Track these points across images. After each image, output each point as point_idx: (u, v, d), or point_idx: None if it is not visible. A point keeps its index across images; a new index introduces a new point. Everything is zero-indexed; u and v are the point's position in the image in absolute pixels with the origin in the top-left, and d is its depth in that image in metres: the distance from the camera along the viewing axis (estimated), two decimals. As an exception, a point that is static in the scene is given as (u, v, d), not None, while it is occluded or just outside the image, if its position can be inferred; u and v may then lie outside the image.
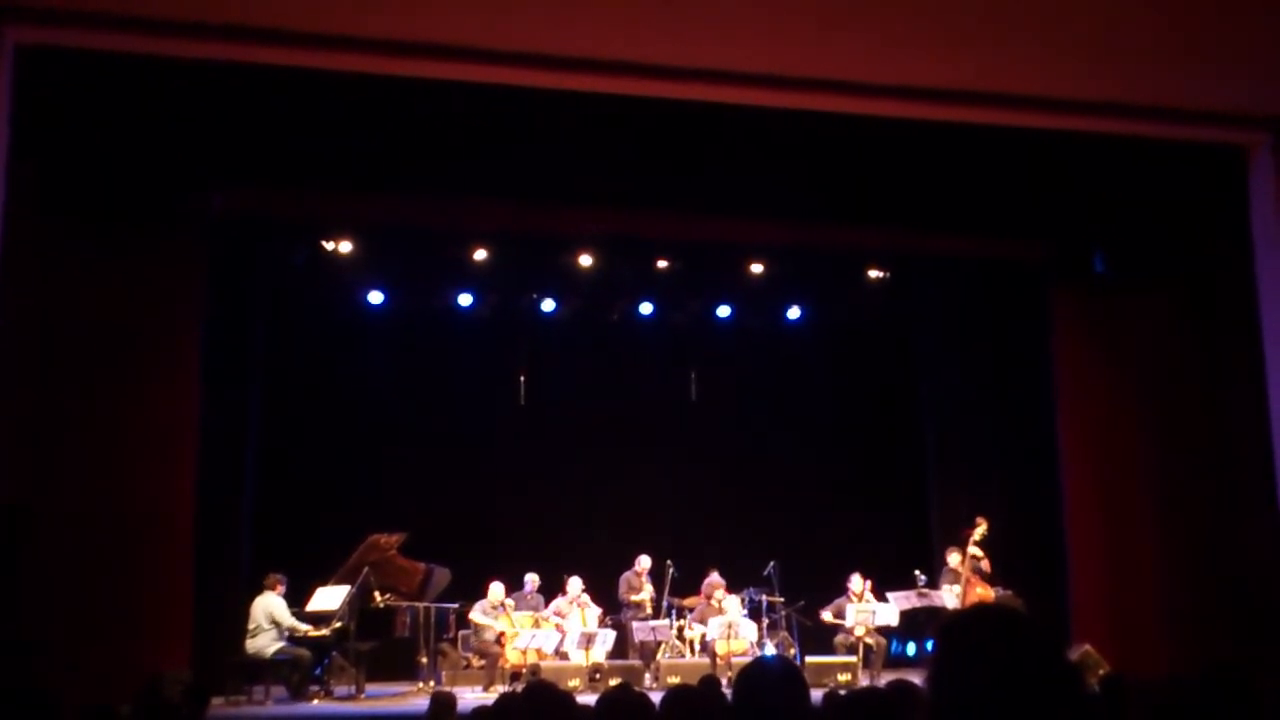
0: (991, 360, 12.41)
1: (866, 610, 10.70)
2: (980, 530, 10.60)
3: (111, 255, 8.68)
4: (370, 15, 6.96)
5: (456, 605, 10.58)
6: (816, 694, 4.51)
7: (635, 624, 10.96)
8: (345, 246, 11.08)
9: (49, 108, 7.42)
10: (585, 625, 10.63)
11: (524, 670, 9.97)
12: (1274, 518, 8.24)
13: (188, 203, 9.21)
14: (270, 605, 9.56)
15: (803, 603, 11.43)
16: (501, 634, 10.37)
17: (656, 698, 3.59)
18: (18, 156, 6.91)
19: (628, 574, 11.54)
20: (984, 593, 10.38)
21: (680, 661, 10.58)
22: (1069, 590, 10.48)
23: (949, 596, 10.44)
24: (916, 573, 10.86)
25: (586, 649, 10.20)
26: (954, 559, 10.66)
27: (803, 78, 7.69)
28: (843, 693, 4.61)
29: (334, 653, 9.89)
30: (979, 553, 10.58)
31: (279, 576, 9.75)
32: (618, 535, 11.99)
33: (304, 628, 9.59)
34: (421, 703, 9.09)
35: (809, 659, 10.57)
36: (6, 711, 2.77)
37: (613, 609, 11.42)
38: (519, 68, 7.41)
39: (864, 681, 10.05)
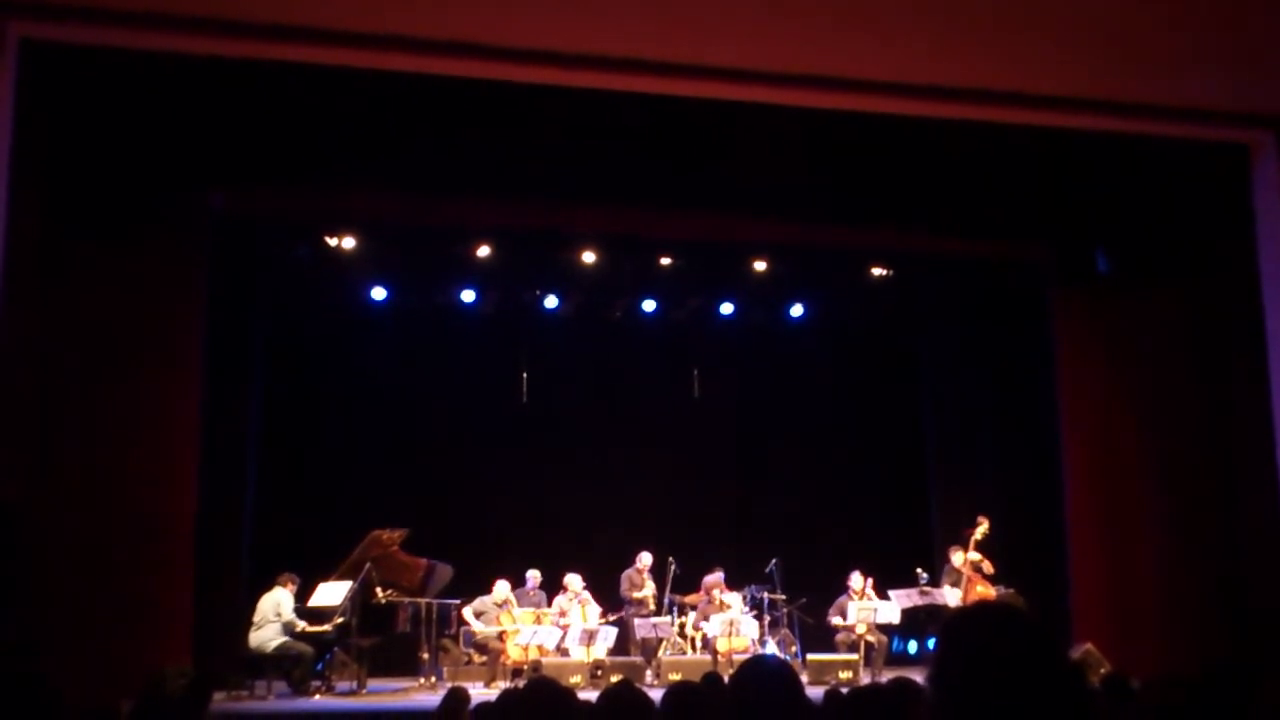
0: (994, 359, 12.41)
1: (868, 608, 10.71)
2: (982, 529, 10.60)
3: (113, 252, 8.66)
4: (374, 11, 6.98)
5: (458, 601, 10.61)
6: (818, 691, 4.52)
7: (637, 621, 10.96)
8: (348, 243, 11.05)
9: (52, 105, 7.43)
10: (586, 622, 10.64)
11: (525, 666, 9.98)
12: (1274, 518, 8.25)
13: (189, 199, 9.20)
14: (279, 599, 9.62)
15: (804, 600, 11.42)
16: (503, 630, 10.39)
17: (658, 695, 3.60)
18: (22, 153, 6.94)
19: (629, 571, 11.53)
20: (985, 591, 10.38)
21: (682, 658, 10.57)
22: (1070, 589, 10.47)
23: (951, 594, 10.44)
24: (918, 570, 10.86)
25: (588, 646, 10.22)
26: (957, 558, 10.66)
27: (806, 75, 7.70)
28: (844, 690, 4.60)
29: (336, 648, 9.90)
30: (978, 556, 10.58)
31: (291, 575, 9.80)
32: (619, 532, 11.98)
33: (301, 624, 9.60)
34: (422, 698, 9.12)
35: (810, 656, 10.58)
36: (6, 701, 2.77)
37: (614, 606, 11.43)
38: (522, 64, 7.43)
39: (865, 679, 10.04)
